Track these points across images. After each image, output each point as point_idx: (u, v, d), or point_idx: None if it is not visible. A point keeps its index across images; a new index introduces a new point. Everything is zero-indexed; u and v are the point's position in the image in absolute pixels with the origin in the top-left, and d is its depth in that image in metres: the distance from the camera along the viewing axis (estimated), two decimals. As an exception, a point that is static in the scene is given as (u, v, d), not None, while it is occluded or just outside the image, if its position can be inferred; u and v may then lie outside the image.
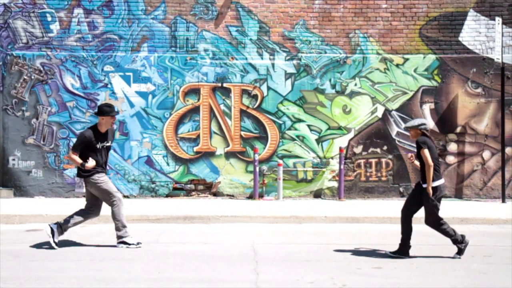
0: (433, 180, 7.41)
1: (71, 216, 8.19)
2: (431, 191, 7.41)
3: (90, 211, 8.23)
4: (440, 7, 12.61)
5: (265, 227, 9.86)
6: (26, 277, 6.52)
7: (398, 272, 6.88)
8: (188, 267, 7.04)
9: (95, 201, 8.21)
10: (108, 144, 8.19)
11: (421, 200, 7.57)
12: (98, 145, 8.03)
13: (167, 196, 12.59)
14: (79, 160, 7.94)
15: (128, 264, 7.14)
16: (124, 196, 12.35)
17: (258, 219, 10.29)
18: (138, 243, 8.11)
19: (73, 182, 12.49)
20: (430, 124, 12.58)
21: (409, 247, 7.62)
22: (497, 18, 12.17)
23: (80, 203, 11.62)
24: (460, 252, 7.64)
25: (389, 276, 6.69)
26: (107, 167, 8.46)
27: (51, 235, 7.99)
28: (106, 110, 8.10)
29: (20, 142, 12.43)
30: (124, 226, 8.11)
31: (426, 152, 7.40)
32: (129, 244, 8.06)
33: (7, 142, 12.42)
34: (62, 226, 8.09)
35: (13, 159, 12.43)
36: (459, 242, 7.62)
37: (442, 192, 7.57)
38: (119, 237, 8.12)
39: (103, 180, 8.04)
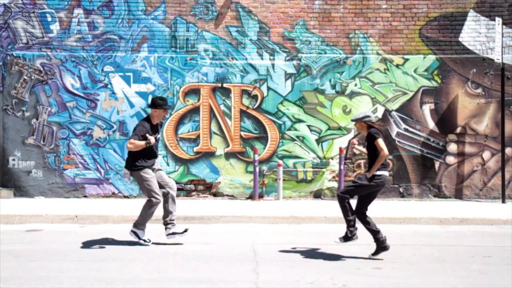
0: (379, 169, 7.51)
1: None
2: (371, 174, 7.48)
3: (164, 197, 8.31)
4: (440, 7, 12.62)
5: (265, 227, 9.86)
6: (26, 277, 6.52)
7: (398, 272, 6.88)
8: (188, 267, 7.04)
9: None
10: (158, 136, 8.37)
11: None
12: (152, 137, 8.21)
13: (167, 196, 12.57)
14: (143, 142, 8.02)
15: (128, 264, 7.14)
16: (124, 196, 12.38)
17: (258, 219, 10.28)
18: (148, 240, 8.23)
19: (73, 182, 12.49)
20: (430, 124, 12.60)
21: (384, 239, 7.49)
22: (497, 19, 12.17)
23: (80, 203, 11.66)
24: (346, 238, 7.64)
25: (389, 276, 6.69)
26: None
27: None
28: (159, 103, 8.24)
29: (20, 142, 12.43)
30: (143, 224, 8.23)
31: (380, 141, 7.48)
32: (139, 239, 8.21)
33: (7, 142, 12.43)
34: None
35: (13, 159, 12.44)
36: (352, 226, 7.59)
37: (382, 184, 7.56)
38: (135, 226, 8.26)
39: (147, 178, 8.13)
